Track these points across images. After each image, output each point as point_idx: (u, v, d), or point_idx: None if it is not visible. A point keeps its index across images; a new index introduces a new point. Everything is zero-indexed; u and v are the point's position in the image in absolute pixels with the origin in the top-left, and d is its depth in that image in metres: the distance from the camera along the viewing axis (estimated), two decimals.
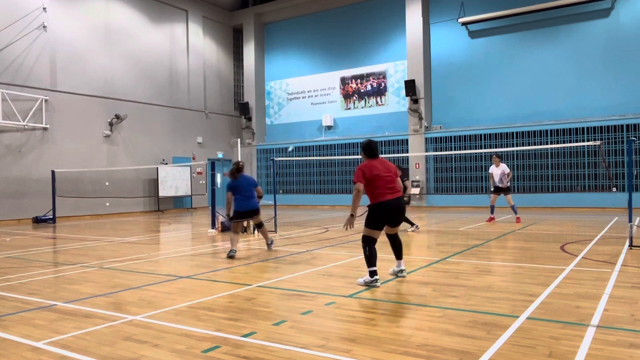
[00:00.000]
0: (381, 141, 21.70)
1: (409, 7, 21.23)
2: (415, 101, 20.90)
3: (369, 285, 5.64)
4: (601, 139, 17.05)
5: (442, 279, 6.02)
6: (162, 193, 21.35)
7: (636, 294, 5.06)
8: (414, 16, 21.11)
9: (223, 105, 25.54)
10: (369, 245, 5.74)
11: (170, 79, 22.66)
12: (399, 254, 6.17)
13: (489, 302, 4.85)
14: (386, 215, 5.77)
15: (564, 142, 18.11)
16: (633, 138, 8.70)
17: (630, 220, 8.20)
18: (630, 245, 8.02)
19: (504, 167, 13.21)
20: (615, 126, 17.61)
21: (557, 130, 18.51)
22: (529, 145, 18.46)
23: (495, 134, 19.60)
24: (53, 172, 16.68)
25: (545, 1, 18.64)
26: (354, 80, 23.29)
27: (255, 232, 11.34)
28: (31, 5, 17.51)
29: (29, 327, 4.36)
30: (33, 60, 17.52)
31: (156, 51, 22.05)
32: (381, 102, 22.65)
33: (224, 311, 4.76)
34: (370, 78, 22.85)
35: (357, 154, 17.12)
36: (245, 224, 11.18)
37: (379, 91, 22.66)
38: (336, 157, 20.41)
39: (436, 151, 20.59)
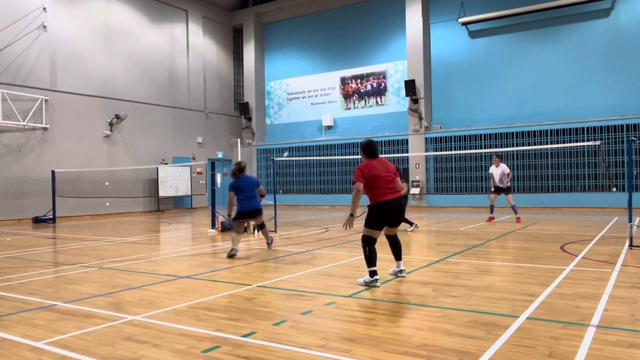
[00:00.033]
0: (381, 141, 21.70)
1: (409, 7, 21.23)
2: (415, 101, 20.90)
3: (369, 285, 5.64)
4: (601, 139, 17.05)
5: (442, 279, 6.02)
6: (162, 193, 21.36)
7: (636, 294, 5.06)
8: (414, 16, 21.11)
9: (223, 105, 25.53)
10: (368, 245, 5.74)
11: (170, 79, 22.67)
12: (398, 255, 6.17)
13: (489, 302, 4.85)
14: (386, 215, 5.77)
15: (564, 142, 18.11)
16: (633, 138, 8.70)
17: (630, 220, 8.20)
18: (630, 245, 8.02)
19: (503, 167, 13.22)
20: (615, 126, 17.61)
21: (557, 130, 18.51)
22: (529, 145, 18.46)
23: (495, 134, 19.60)
24: (53, 172, 16.68)
25: (545, 1, 18.64)
26: (354, 80, 23.29)
27: (256, 232, 11.35)
28: (31, 5, 17.51)
29: (29, 327, 4.36)
30: (33, 60, 17.52)
31: (156, 51, 22.05)
32: (381, 102, 22.65)
33: (224, 311, 4.76)
34: (370, 78, 22.85)
35: (357, 154, 17.10)
36: (245, 224, 11.18)
37: (379, 91, 22.66)
38: (336, 157, 20.41)
39: (436, 151, 20.58)
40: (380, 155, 6.10)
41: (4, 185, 16.63)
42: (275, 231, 11.55)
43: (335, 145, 23.28)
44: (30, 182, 17.25)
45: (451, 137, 20.49)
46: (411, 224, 11.40)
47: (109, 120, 19.82)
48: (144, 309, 4.91)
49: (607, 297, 4.96)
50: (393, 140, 21.86)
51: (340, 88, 23.63)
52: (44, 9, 17.77)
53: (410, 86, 20.58)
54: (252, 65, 25.35)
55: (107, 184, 19.68)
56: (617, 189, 17.17)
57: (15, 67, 17.01)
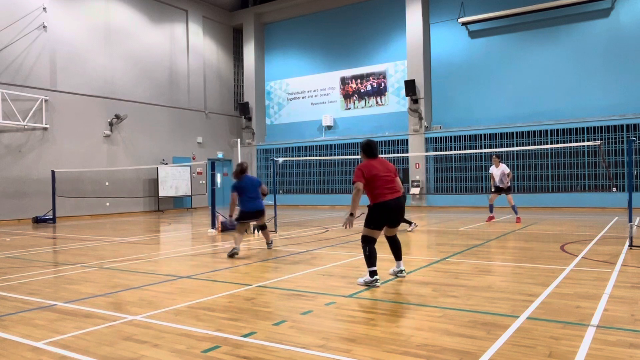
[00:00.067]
0: (381, 141, 21.70)
1: (409, 7, 21.23)
2: (415, 101, 20.90)
3: (369, 285, 5.64)
4: (601, 139, 17.05)
5: (442, 279, 6.02)
6: (162, 193, 21.35)
7: (636, 294, 5.06)
8: (414, 16, 21.11)
9: (223, 105, 25.54)
10: (368, 245, 5.74)
11: (170, 79, 22.67)
12: (398, 255, 6.17)
13: (489, 302, 4.85)
14: (386, 215, 5.77)
15: (564, 142, 18.11)
16: (633, 138, 8.70)
17: (630, 220, 8.20)
18: (630, 245, 8.02)
19: (503, 168, 13.22)
20: (615, 126, 17.61)
21: (557, 130, 18.51)
22: (529, 145, 18.46)
23: (495, 134, 19.60)
24: (53, 172, 16.68)
25: (545, 1, 18.64)
26: (354, 80, 23.29)
27: (256, 232, 11.35)
28: (31, 5, 17.51)
29: (29, 327, 4.36)
30: (33, 60, 17.52)
31: (156, 51, 22.05)
32: (381, 102, 22.65)
33: (224, 311, 4.76)
34: (370, 78, 22.86)
35: (357, 154, 17.10)
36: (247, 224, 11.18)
37: (379, 91, 22.66)
38: (336, 157, 20.41)
39: (436, 151, 20.58)
40: (380, 155, 6.10)
41: (4, 185, 16.63)
42: (276, 231, 11.55)
43: (335, 145, 23.28)
44: (30, 182, 17.25)
45: (451, 137, 20.49)
46: (410, 223, 11.41)
47: (109, 120, 19.82)
48: (144, 309, 4.91)
49: (607, 297, 4.95)
50: (393, 140, 21.86)
51: (340, 88, 23.63)
52: (44, 9, 17.77)
53: (410, 86, 20.58)
54: (252, 65, 25.35)
55: (107, 184, 19.68)
56: (617, 189, 17.17)
57: (15, 67, 17.01)
